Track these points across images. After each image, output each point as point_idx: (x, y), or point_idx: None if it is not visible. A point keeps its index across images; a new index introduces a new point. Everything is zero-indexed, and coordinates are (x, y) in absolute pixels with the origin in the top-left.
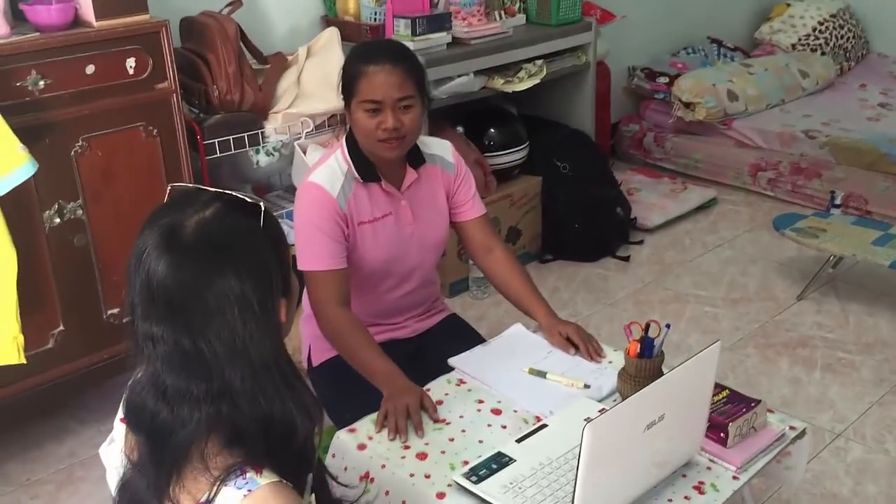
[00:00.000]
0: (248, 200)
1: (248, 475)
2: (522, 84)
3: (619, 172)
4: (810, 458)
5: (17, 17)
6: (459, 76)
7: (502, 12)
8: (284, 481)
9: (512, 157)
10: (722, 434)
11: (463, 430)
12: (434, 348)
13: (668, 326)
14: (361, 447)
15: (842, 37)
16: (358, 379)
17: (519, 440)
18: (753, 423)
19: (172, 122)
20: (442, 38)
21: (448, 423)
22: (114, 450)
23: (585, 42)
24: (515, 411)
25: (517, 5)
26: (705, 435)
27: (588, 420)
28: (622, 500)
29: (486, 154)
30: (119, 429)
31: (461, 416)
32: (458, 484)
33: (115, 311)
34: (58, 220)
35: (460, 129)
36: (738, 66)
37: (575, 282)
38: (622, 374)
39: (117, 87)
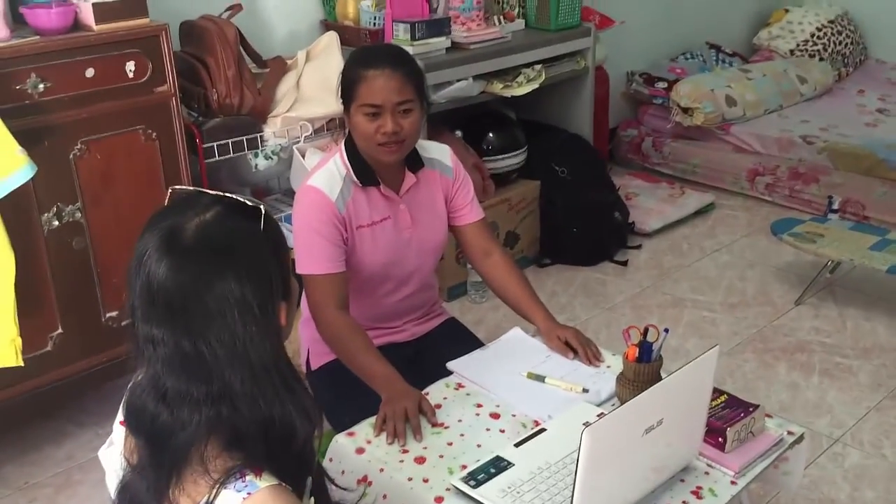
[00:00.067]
0: (249, 203)
1: (247, 478)
2: (521, 89)
3: (618, 177)
4: (808, 463)
5: (17, 21)
6: (458, 81)
7: (501, 17)
8: (284, 484)
9: (510, 161)
10: (720, 439)
11: (461, 434)
12: (432, 352)
13: (666, 331)
14: (360, 451)
15: (840, 43)
16: (356, 382)
17: (517, 444)
18: (751, 427)
19: (172, 125)
20: (441, 42)
21: (446, 427)
22: (113, 453)
23: (584, 47)
24: (514, 415)
25: (516, 10)
26: (703, 439)
27: (586, 424)
28: None
29: (484, 158)
30: (118, 431)
31: (460, 420)
32: (456, 488)
33: (114, 314)
34: (56, 223)
35: (459, 133)
36: (737, 72)
37: (573, 286)
38: (620, 378)
39: (117, 90)
